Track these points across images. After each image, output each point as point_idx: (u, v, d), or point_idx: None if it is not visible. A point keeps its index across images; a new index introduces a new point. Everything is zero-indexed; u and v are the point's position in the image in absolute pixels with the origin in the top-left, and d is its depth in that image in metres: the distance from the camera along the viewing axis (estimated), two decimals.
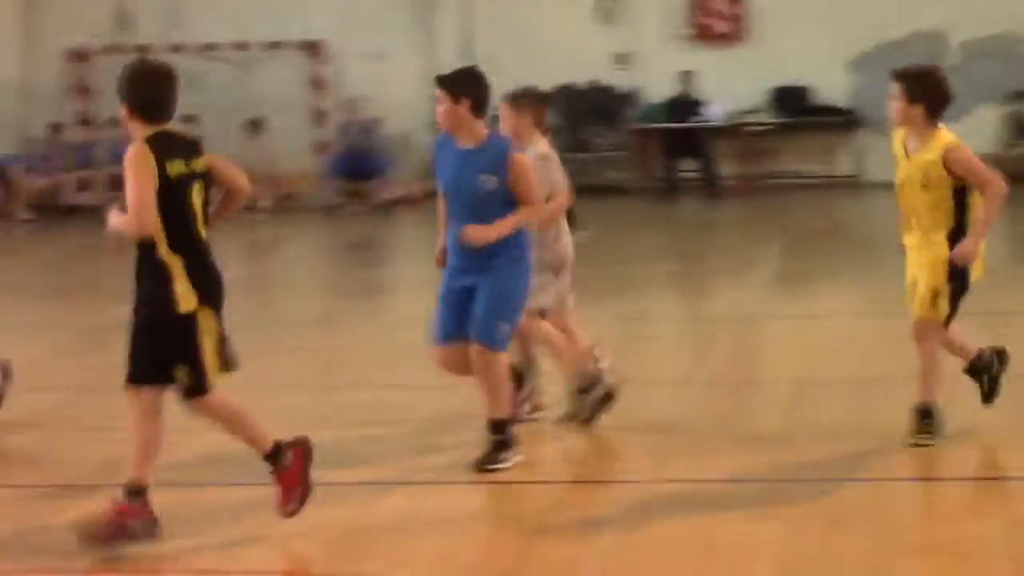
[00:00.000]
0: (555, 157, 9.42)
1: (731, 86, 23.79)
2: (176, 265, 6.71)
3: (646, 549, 6.90)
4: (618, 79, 24.44)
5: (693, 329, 14.14)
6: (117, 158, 19.33)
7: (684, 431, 8.97)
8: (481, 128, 8.16)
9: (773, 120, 23.92)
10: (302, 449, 7.04)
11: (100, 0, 24.96)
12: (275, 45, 24.25)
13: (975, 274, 8.22)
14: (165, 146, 6.65)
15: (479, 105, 8.13)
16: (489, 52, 22.92)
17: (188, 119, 21.57)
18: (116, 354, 7.78)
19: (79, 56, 24.80)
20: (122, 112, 6.90)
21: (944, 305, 8.02)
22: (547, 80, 22.16)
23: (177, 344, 6.75)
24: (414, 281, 17.81)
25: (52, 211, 24.35)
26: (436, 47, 24.37)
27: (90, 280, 18.19)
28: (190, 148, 6.84)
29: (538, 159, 9.20)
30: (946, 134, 8.21)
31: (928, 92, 8.17)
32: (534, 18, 24.21)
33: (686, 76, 23.23)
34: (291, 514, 6.92)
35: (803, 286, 15.97)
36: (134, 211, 6.60)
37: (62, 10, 25.30)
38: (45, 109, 24.98)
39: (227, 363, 6.96)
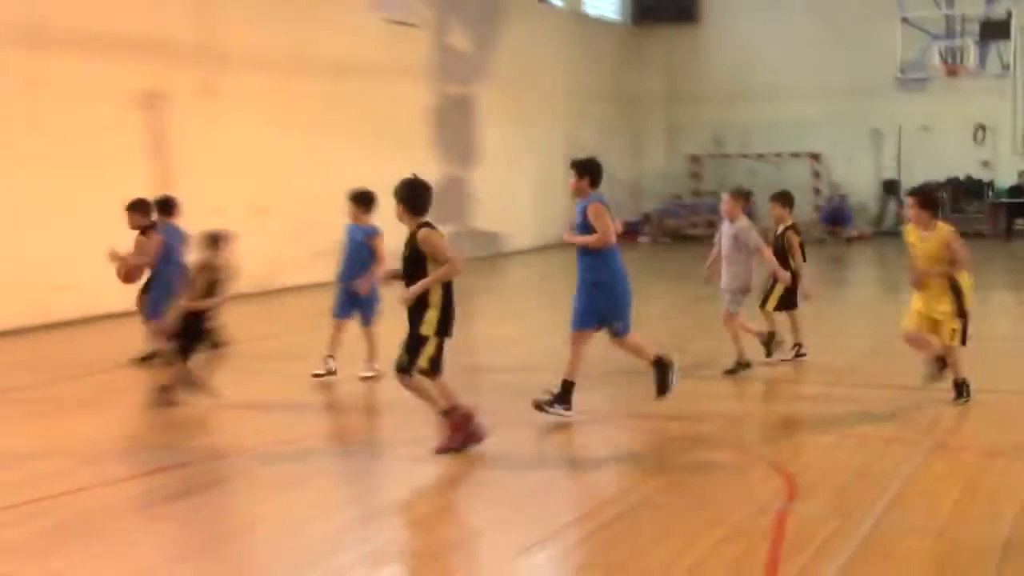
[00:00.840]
0: (753, 227, 10.86)
1: None
2: (437, 302, 7.73)
3: None
4: (983, 175, 28.14)
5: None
6: (711, 211, 23.26)
7: None
8: (589, 194, 8.87)
9: None
10: (463, 417, 7.90)
11: (706, 126, 29.89)
12: (795, 154, 28.68)
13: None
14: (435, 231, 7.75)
15: (594, 180, 8.87)
16: (910, 157, 28.30)
17: (747, 194, 29.47)
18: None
19: (694, 159, 30.14)
20: (399, 210, 7.78)
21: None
22: (942, 175, 27.07)
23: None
24: (866, 278, 22.78)
25: (678, 237, 27.89)
26: (881, 155, 28.94)
27: (682, 271, 19.73)
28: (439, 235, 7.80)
29: (740, 229, 10.77)
30: (944, 225, 9.26)
31: (932, 202, 9.36)
32: (937, 141, 28.01)
33: (1021, 173, 27.26)
34: (440, 451, 7.88)
35: None
36: (451, 261, 7.67)
37: (693, 133, 30.34)
38: (676, 185, 29.93)
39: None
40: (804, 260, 11.31)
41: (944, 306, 9.21)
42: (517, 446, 8.49)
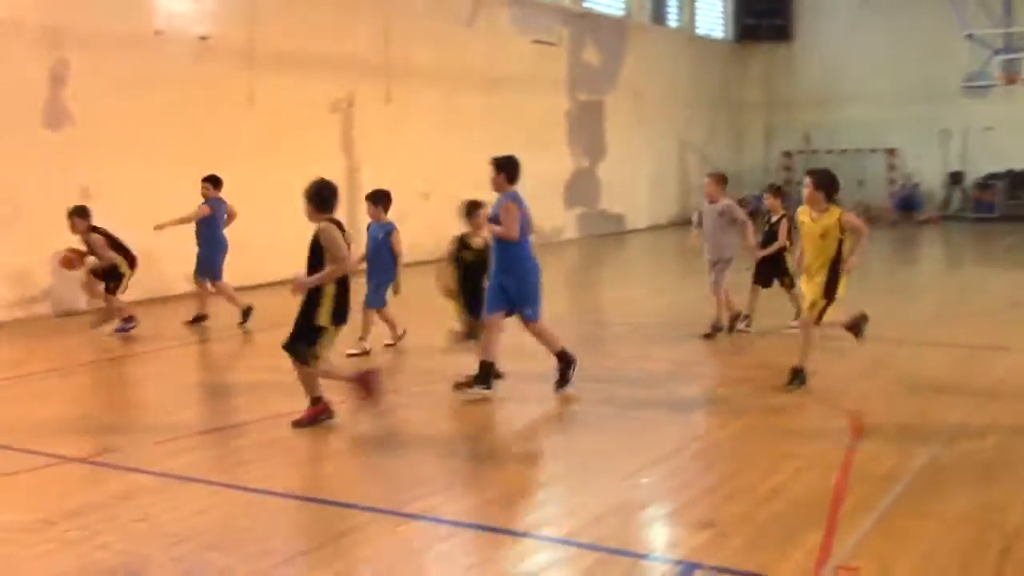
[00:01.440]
0: (735, 206, 10.29)
1: None
2: (329, 292, 6.90)
3: None
4: None
5: None
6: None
7: None
8: (506, 188, 7.96)
9: None
10: (366, 376, 7.22)
11: (798, 127, 29.04)
12: (873, 150, 27.96)
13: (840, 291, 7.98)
14: (339, 225, 7.02)
15: (510, 177, 7.96)
16: (974, 153, 27.42)
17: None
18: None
19: (787, 155, 29.31)
20: (307, 208, 6.97)
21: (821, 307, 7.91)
22: (1002, 167, 27.01)
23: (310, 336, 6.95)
24: (934, 255, 21.88)
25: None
26: (948, 150, 27.78)
27: None
28: (342, 227, 7.04)
29: (726, 207, 10.27)
30: (836, 208, 7.86)
31: (827, 184, 7.88)
32: (997, 138, 26.84)
33: None
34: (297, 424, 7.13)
35: None
36: (344, 258, 6.85)
37: (786, 133, 29.53)
38: (771, 176, 27.97)
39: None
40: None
41: (815, 283, 7.93)
42: (624, 388, 8.46)
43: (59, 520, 5.40)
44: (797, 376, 8.08)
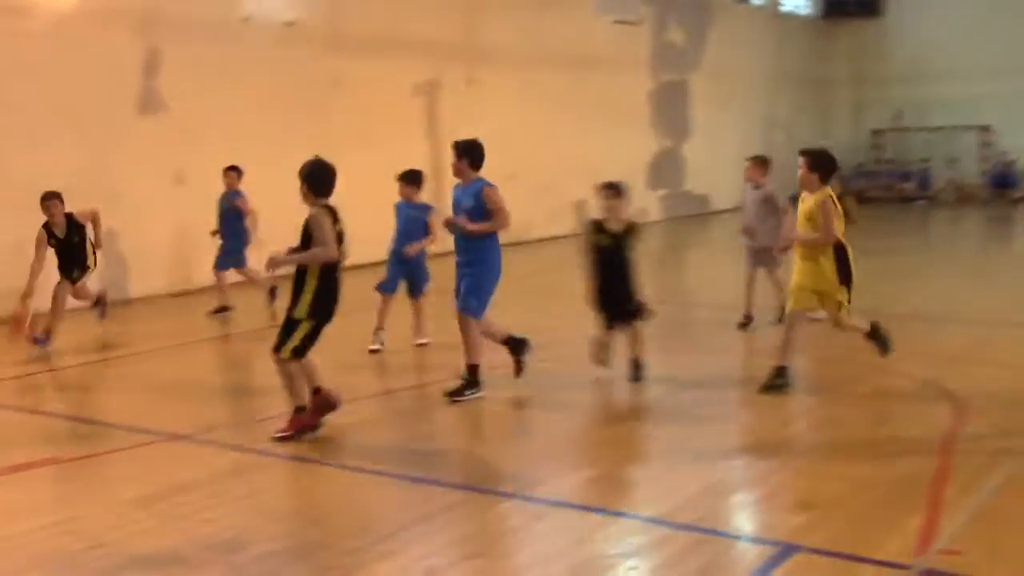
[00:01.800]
0: (777, 193, 9.93)
1: None
2: (312, 283, 6.42)
3: None
4: None
5: None
6: (891, 176, 22.54)
7: None
8: (470, 175, 7.44)
9: None
10: (322, 401, 6.63)
11: (887, 104, 28.36)
12: (967, 127, 27.39)
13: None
14: (332, 213, 6.47)
15: (474, 162, 7.43)
16: None
17: (925, 160, 27.45)
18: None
19: (876, 133, 28.83)
20: (302, 190, 6.43)
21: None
22: None
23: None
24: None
25: (862, 199, 24.41)
26: None
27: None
28: (336, 215, 6.49)
29: (770, 193, 9.95)
30: (827, 190, 7.24)
31: (823, 165, 7.26)
32: None
33: None
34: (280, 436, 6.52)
35: None
36: (328, 243, 6.29)
37: (875, 111, 28.92)
38: (859, 155, 28.47)
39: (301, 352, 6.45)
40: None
41: (827, 276, 7.28)
42: (712, 372, 8.38)
43: (167, 495, 5.57)
44: (877, 336, 7.69)
